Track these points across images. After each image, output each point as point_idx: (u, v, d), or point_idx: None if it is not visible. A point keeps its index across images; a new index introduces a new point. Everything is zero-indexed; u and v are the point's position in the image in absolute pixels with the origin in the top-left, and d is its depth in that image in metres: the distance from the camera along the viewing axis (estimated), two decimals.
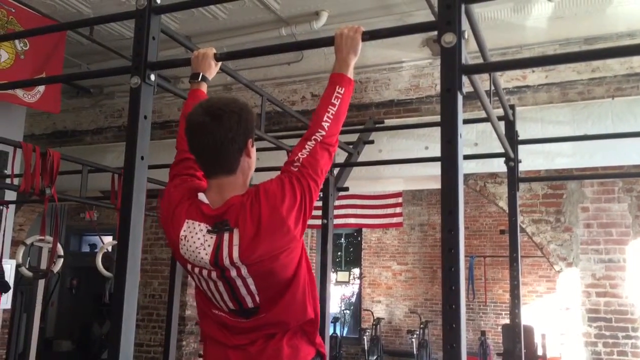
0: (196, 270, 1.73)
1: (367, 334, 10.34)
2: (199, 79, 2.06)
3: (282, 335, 1.75)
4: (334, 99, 1.81)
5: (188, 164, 1.89)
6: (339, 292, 13.02)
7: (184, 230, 1.71)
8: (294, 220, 1.67)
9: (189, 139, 1.74)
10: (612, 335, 5.06)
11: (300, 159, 1.74)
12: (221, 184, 1.73)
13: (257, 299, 1.72)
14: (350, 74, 1.87)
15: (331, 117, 1.79)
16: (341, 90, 1.83)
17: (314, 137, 1.77)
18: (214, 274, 1.70)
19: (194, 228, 1.70)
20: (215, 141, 1.67)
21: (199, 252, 1.68)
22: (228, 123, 1.67)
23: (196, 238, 1.69)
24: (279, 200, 1.66)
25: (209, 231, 1.68)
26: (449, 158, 1.50)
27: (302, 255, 1.77)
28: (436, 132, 1.57)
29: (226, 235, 1.66)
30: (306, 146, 1.76)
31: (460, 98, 1.53)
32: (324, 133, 1.77)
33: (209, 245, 1.67)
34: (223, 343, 1.79)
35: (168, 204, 1.81)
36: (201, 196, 1.73)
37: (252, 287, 1.70)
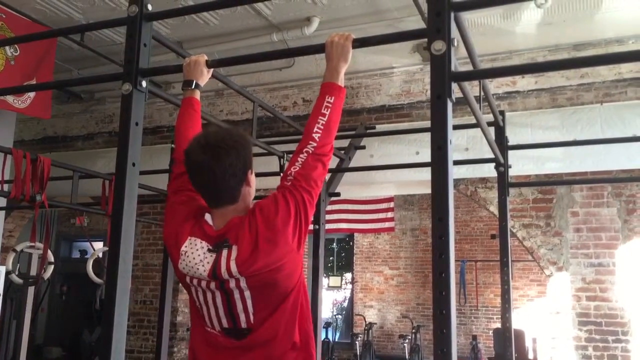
0: (194, 281, 1.74)
1: (359, 338, 10.34)
2: (192, 87, 2.07)
3: None
4: (324, 109, 1.83)
5: (187, 178, 1.87)
6: (331, 297, 13.02)
7: (185, 246, 1.74)
8: (290, 232, 1.71)
9: (190, 175, 1.78)
10: (602, 339, 5.09)
11: (293, 173, 1.78)
12: (224, 212, 1.77)
13: (252, 318, 1.72)
14: (341, 81, 1.88)
15: (321, 127, 1.81)
16: (330, 99, 1.84)
17: (305, 149, 1.80)
18: (212, 285, 1.71)
19: (196, 245, 1.73)
20: (216, 178, 1.70)
21: (198, 268, 1.71)
22: (227, 159, 1.70)
23: (196, 254, 1.72)
24: (272, 214, 1.71)
25: (209, 250, 1.72)
26: (439, 164, 1.51)
27: (300, 279, 1.78)
28: (427, 137, 1.59)
29: (224, 252, 1.69)
30: (298, 159, 1.79)
31: (450, 105, 1.55)
32: (315, 144, 1.80)
33: (207, 262, 1.70)
34: None
35: (173, 219, 1.83)
36: (207, 217, 1.77)
37: (249, 302, 1.71)
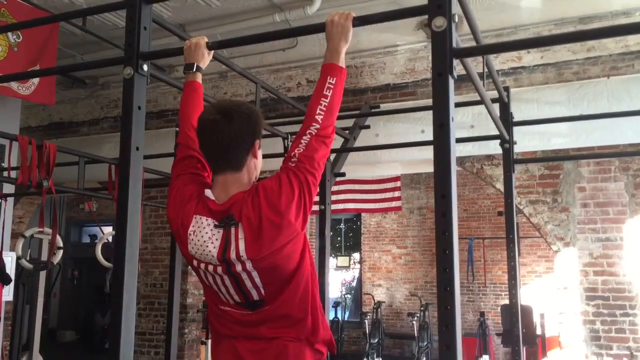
0: (202, 265, 1.77)
1: (368, 317, 10.41)
2: (194, 70, 2.07)
3: (286, 338, 1.78)
4: (326, 90, 1.83)
5: (191, 162, 1.92)
6: (340, 277, 13.09)
7: (192, 226, 1.76)
8: (294, 213, 1.72)
9: (200, 135, 1.82)
10: (610, 314, 5.11)
11: (297, 154, 1.78)
12: (227, 180, 1.79)
13: (262, 291, 1.76)
14: (342, 61, 1.88)
15: (324, 109, 1.82)
16: (332, 80, 1.84)
17: (308, 131, 1.80)
18: (219, 269, 1.74)
19: (202, 223, 1.76)
20: (224, 138, 1.76)
21: (207, 246, 1.73)
22: (238, 122, 1.77)
23: (204, 232, 1.74)
24: (276, 195, 1.72)
25: (215, 226, 1.74)
26: (441, 142, 1.51)
27: (304, 249, 1.80)
28: (432, 115, 1.58)
29: (232, 230, 1.72)
30: (302, 141, 1.80)
31: (451, 82, 1.54)
32: (318, 126, 1.80)
33: (216, 239, 1.73)
34: (230, 336, 1.82)
35: (178, 203, 1.84)
36: (207, 192, 1.79)
37: (257, 280, 1.74)
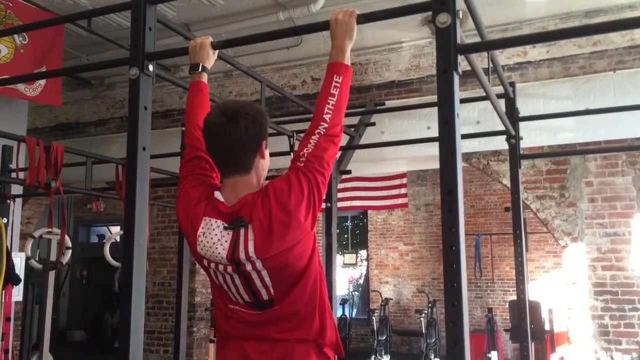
0: (212, 265, 1.78)
1: (375, 314, 10.41)
2: (199, 70, 2.07)
3: (293, 340, 1.78)
4: (333, 89, 1.82)
5: (200, 163, 1.92)
6: (347, 274, 13.09)
7: (202, 228, 1.77)
8: (303, 213, 1.72)
9: (207, 139, 1.81)
10: (618, 308, 5.09)
11: (305, 154, 1.78)
12: (236, 182, 1.79)
13: (272, 291, 1.76)
14: (347, 60, 1.87)
15: (332, 108, 1.81)
16: (339, 78, 1.83)
17: (317, 130, 1.80)
18: (229, 269, 1.75)
19: (211, 225, 1.76)
20: (231, 141, 1.75)
21: (216, 248, 1.74)
22: (244, 124, 1.75)
23: (213, 234, 1.75)
24: (286, 196, 1.72)
25: (225, 228, 1.74)
26: (446, 138, 1.52)
27: (313, 248, 1.81)
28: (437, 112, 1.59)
29: (242, 231, 1.72)
30: (311, 141, 1.79)
31: (456, 78, 1.54)
32: (326, 125, 1.80)
33: (226, 241, 1.73)
34: (238, 337, 1.83)
35: (187, 204, 1.85)
36: (217, 194, 1.79)
37: (267, 280, 1.75)
